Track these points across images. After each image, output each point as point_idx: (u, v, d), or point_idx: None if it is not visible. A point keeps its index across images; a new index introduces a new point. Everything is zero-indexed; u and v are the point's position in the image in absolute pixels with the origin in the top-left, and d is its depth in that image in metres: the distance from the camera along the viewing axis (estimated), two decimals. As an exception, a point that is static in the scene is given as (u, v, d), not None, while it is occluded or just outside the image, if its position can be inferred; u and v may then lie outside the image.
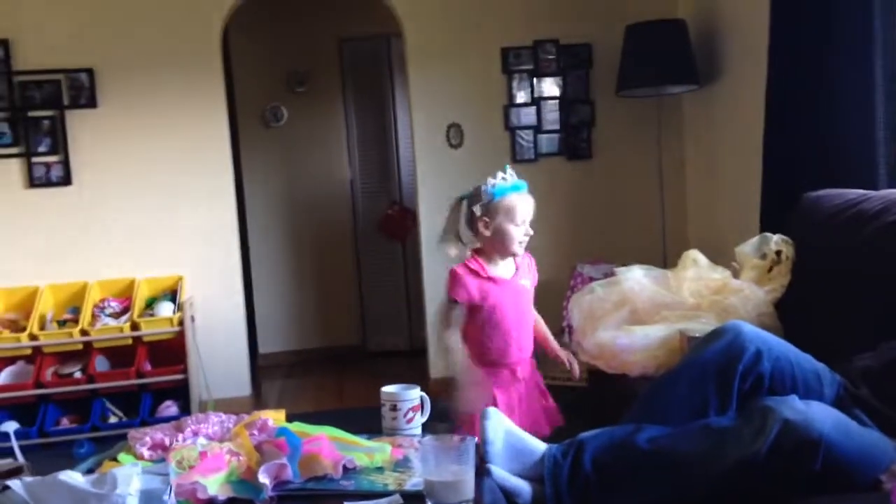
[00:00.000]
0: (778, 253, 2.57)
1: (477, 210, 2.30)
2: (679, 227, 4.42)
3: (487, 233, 2.30)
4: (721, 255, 2.88)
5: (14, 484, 1.11)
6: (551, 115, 4.46)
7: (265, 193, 5.60)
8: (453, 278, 2.29)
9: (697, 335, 2.21)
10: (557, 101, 4.45)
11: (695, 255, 2.79)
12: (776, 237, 2.59)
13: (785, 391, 1.68)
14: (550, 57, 4.43)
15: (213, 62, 4.28)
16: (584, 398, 3.56)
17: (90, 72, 4.11)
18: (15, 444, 3.52)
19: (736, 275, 2.67)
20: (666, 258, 4.09)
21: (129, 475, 1.15)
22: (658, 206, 4.37)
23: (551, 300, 4.16)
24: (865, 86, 2.63)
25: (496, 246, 2.33)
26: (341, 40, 5.56)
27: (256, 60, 5.52)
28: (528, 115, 4.43)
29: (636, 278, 2.72)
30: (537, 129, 4.44)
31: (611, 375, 2.57)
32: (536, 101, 4.43)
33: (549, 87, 4.45)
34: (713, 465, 1.53)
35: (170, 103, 4.22)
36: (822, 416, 1.49)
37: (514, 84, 4.42)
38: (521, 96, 4.43)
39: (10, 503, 1.10)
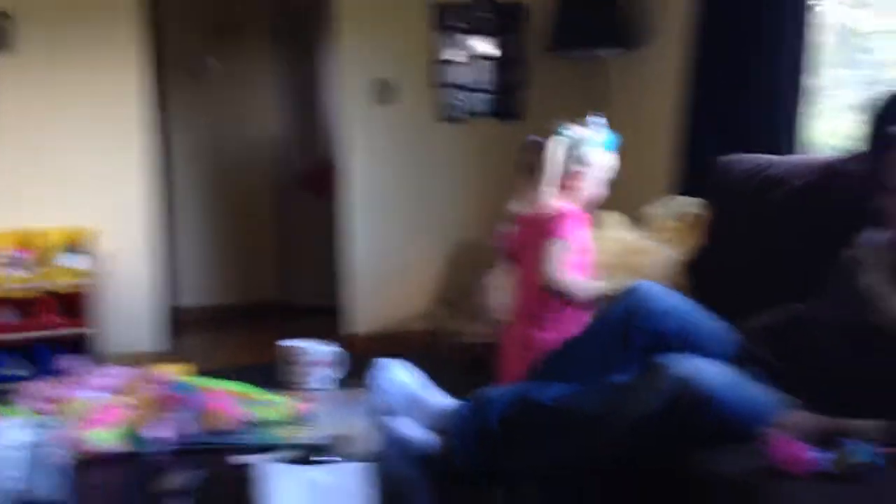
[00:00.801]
0: (689, 215, 2.62)
1: None
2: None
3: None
4: (637, 217, 2.94)
5: None
6: (485, 74, 4.43)
7: (191, 145, 5.44)
8: None
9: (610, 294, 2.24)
10: (491, 60, 4.42)
11: (610, 216, 2.84)
12: (688, 199, 2.65)
13: (685, 349, 1.72)
14: (485, 15, 4.38)
15: (136, 8, 4.10)
16: (494, 354, 3.61)
17: (4, 15, 3.89)
18: None
19: (649, 236, 2.73)
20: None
21: (12, 427, 1.11)
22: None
23: (475, 260, 4.19)
24: (781, 49, 2.69)
25: None
26: (273, -9, 5.41)
27: (183, 8, 5.30)
28: (460, 74, 4.39)
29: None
30: (469, 88, 4.41)
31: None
32: (469, 60, 4.39)
33: (484, 46, 4.41)
34: (613, 422, 1.56)
35: (89, 50, 4.03)
36: (712, 372, 1.53)
37: (447, 42, 4.36)
38: (454, 54, 4.38)
39: None
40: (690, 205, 2.63)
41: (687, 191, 2.79)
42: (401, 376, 1.65)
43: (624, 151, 4.34)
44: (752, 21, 2.78)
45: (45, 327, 3.69)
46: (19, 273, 3.71)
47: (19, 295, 3.70)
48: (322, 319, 5.09)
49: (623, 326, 1.79)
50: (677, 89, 3.26)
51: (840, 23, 2.90)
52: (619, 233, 2.76)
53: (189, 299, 5.50)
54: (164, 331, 4.33)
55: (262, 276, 5.63)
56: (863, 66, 2.84)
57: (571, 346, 1.90)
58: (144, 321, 4.21)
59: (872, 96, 2.09)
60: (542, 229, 2.17)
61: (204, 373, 1.69)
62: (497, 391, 1.74)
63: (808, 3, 2.63)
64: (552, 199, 2.25)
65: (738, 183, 2.47)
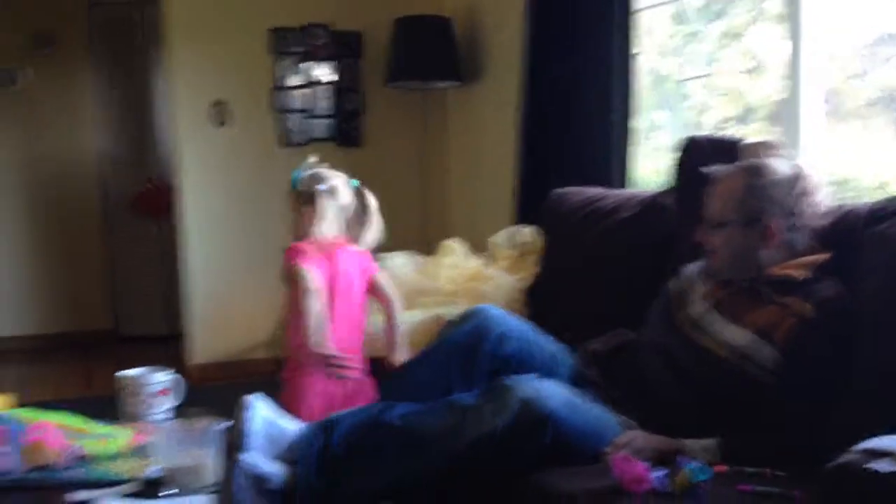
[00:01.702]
0: (527, 244, 2.74)
1: None
2: (442, 218, 4.57)
3: None
4: (480, 246, 3.03)
5: None
6: (324, 100, 4.43)
7: (2, 161, 5.06)
8: None
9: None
10: (331, 86, 4.43)
11: (452, 245, 2.91)
12: (527, 229, 2.77)
13: (526, 370, 1.78)
14: (321, 42, 4.39)
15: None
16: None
17: None
18: None
19: (490, 263, 2.82)
20: (430, 247, 4.23)
21: None
22: (422, 197, 4.50)
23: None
24: (605, 92, 2.88)
25: None
26: (91, 3, 5.16)
27: (-2, 17, 4.96)
28: (298, 99, 4.37)
29: (397, 265, 2.78)
30: (308, 113, 4.39)
31: (371, 358, 2.61)
32: (308, 85, 4.38)
33: (322, 71, 4.42)
34: (453, 441, 1.59)
35: None
36: (553, 393, 1.60)
37: (283, 66, 4.33)
38: (291, 79, 4.35)
39: None
40: (528, 234, 2.75)
41: (525, 220, 2.91)
42: (262, 410, 1.60)
43: (465, 181, 4.53)
44: (577, 62, 2.95)
45: None
46: None
47: None
48: (156, 348, 4.87)
49: (464, 348, 1.84)
50: (513, 122, 3.40)
51: (656, 70, 3.16)
52: (460, 260, 2.84)
53: (5, 329, 5.09)
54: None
55: (89, 302, 5.30)
56: (680, 110, 3.10)
57: (415, 367, 1.93)
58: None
59: (682, 138, 2.30)
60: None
61: (26, 405, 1.58)
62: (341, 414, 1.73)
63: (630, 51, 2.84)
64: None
65: (570, 214, 2.62)
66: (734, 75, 2.83)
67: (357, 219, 2.38)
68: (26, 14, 5.04)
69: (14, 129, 5.09)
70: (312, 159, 2.42)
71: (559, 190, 2.78)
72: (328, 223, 2.28)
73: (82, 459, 1.37)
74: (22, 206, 5.17)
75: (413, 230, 4.45)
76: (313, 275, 2.06)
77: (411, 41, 4.05)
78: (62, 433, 1.39)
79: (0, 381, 4.27)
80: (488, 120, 4.12)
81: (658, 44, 3.14)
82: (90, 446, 1.39)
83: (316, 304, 2.01)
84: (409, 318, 2.54)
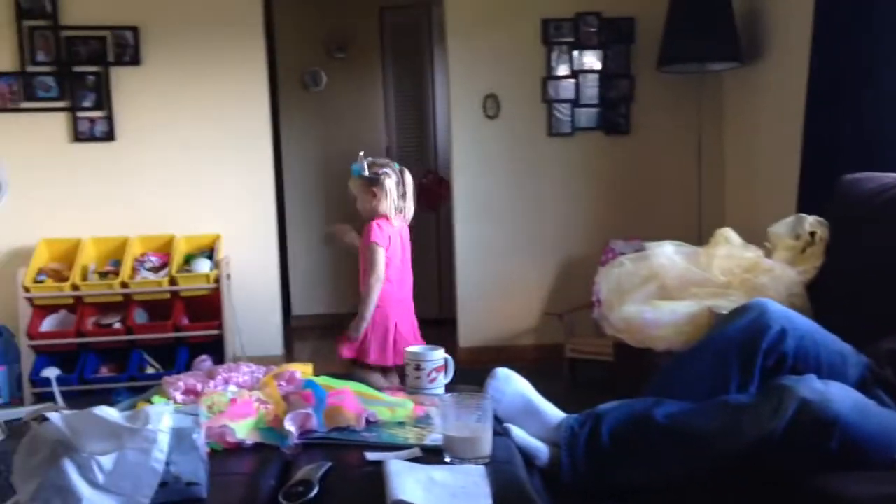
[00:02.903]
0: (812, 234, 2.54)
1: None
2: (716, 206, 4.38)
3: None
4: (756, 235, 2.86)
5: (52, 415, 1.17)
6: (590, 89, 4.43)
7: (302, 156, 5.66)
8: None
9: (725, 312, 2.21)
10: (597, 74, 4.42)
11: (727, 234, 2.78)
12: (811, 218, 2.57)
13: (808, 370, 1.67)
14: (592, 29, 4.39)
15: (255, 24, 4.32)
16: (608, 370, 3.59)
17: (135, 30, 4.18)
18: (56, 388, 3.68)
19: (768, 254, 2.66)
20: (701, 237, 4.07)
21: (162, 413, 1.20)
22: (695, 184, 4.34)
23: (583, 274, 4.18)
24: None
25: None
26: (382, 7, 5.57)
27: (298, 25, 5.56)
28: (566, 89, 4.41)
29: (666, 254, 2.71)
30: (575, 102, 4.42)
31: (636, 349, 2.58)
32: (576, 74, 4.41)
33: (590, 60, 4.42)
34: (729, 441, 1.54)
35: (211, 64, 4.28)
36: (840, 396, 1.49)
37: (554, 56, 4.39)
38: (561, 69, 4.40)
39: (48, 433, 1.16)
40: (813, 223, 2.55)
41: (809, 208, 2.70)
42: (518, 385, 1.68)
43: (742, 167, 4.29)
44: (876, 36, 2.68)
45: (179, 329, 3.91)
46: (155, 277, 3.95)
47: (155, 297, 3.93)
48: (430, 331, 5.17)
49: (740, 344, 1.76)
50: (798, 104, 3.17)
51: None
52: (736, 250, 2.70)
53: (300, 308, 5.70)
54: (280, 337, 4.51)
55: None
56: None
57: (684, 362, 1.88)
58: (263, 327, 4.39)
59: None
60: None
61: (321, 374, 1.77)
62: (609, 406, 1.74)
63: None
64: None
65: (862, 201, 2.39)
66: None
67: (402, 196, 2.91)
68: (324, 22, 5.59)
69: (315, 127, 5.67)
70: (362, 154, 2.89)
71: (850, 175, 2.54)
72: (388, 201, 2.85)
73: (375, 424, 1.51)
74: (317, 198, 5.74)
75: (684, 218, 4.32)
76: (384, 259, 2.84)
77: (687, 22, 3.92)
78: (358, 399, 1.55)
79: (297, 354, 4.79)
80: (769, 102, 3.87)
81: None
82: (381, 413, 1.53)
83: (379, 286, 2.84)
84: (678, 309, 2.48)
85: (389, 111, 5.66)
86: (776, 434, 1.48)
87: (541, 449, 1.61)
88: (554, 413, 1.71)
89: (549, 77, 4.39)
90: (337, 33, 5.61)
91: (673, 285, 2.63)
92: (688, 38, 3.94)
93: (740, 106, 4.24)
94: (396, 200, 2.87)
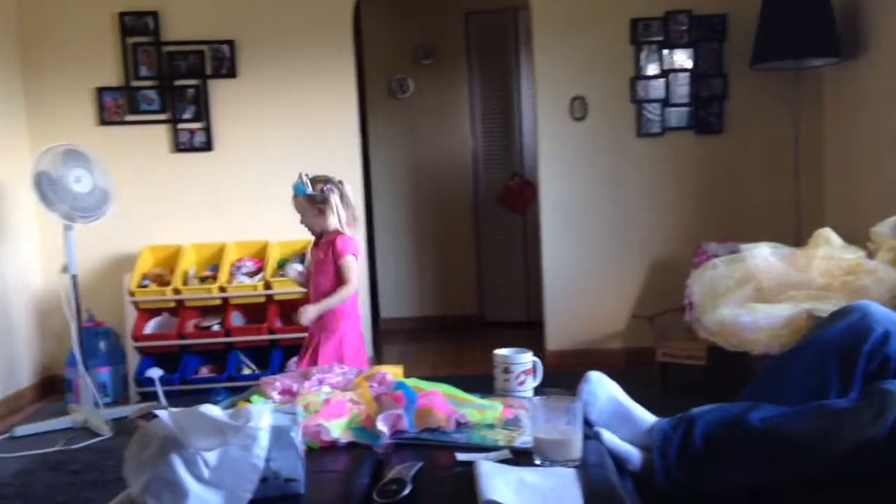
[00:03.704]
0: (918, 234, 2.43)
1: None
2: (814, 206, 4.22)
3: None
4: (858, 236, 2.76)
5: (161, 413, 1.23)
6: (681, 88, 4.35)
7: (390, 162, 5.75)
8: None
9: (824, 315, 2.13)
10: (688, 73, 4.33)
11: (827, 234, 2.69)
12: (917, 218, 2.45)
13: (911, 375, 1.61)
14: (682, 28, 4.31)
15: (345, 35, 4.42)
16: (700, 374, 3.51)
17: (231, 43, 4.34)
18: (159, 388, 3.85)
19: (871, 255, 2.55)
20: (799, 238, 3.93)
21: (262, 411, 1.25)
22: (792, 184, 4.20)
23: (673, 277, 4.11)
24: None
25: None
26: (468, 13, 5.61)
27: (385, 33, 5.66)
28: (656, 88, 4.34)
29: (763, 255, 2.65)
30: (665, 102, 4.34)
31: (730, 353, 2.53)
32: (666, 74, 4.33)
33: (680, 58, 4.34)
34: (827, 447, 1.49)
35: (303, 74, 4.40)
36: (947, 402, 1.42)
37: (643, 56, 4.33)
38: (650, 68, 4.34)
39: (158, 430, 1.23)
40: (919, 223, 2.44)
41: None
42: (610, 389, 1.67)
43: (842, 166, 4.13)
44: None
45: (273, 331, 4.04)
46: (251, 281, 4.08)
47: (251, 301, 4.07)
48: (517, 334, 5.18)
49: (840, 347, 1.70)
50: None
51: None
52: (836, 251, 2.61)
53: (388, 312, 5.78)
54: (369, 339, 4.59)
55: (459, 290, 5.81)
56: None
57: (782, 366, 1.82)
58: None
59: None
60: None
61: (410, 377, 1.80)
62: (702, 410, 1.71)
63: None
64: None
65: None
66: None
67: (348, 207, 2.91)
68: (411, 30, 5.68)
69: (403, 132, 5.76)
70: (302, 172, 2.91)
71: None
72: (335, 217, 2.85)
73: (465, 425, 1.53)
74: (405, 203, 5.82)
75: (781, 219, 4.19)
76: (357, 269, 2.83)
77: (783, 17, 3.80)
78: (449, 401, 1.57)
79: (385, 356, 4.87)
80: (871, 98, 3.72)
81: None
82: (471, 414, 1.55)
83: (350, 295, 2.83)
84: (775, 312, 2.41)
85: (475, 115, 5.70)
86: (877, 440, 1.43)
87: (632, 453, 1.59)
88: (646, 417, 1.68)
89: (638, 77, 4.33)
90: (423, 40, 5.69)
91: (769, 287, 2.56)
92: (783, 34, 3.82)
93: (840, 102, 4.08)
94: (345, 214, 2.89)
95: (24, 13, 4.31)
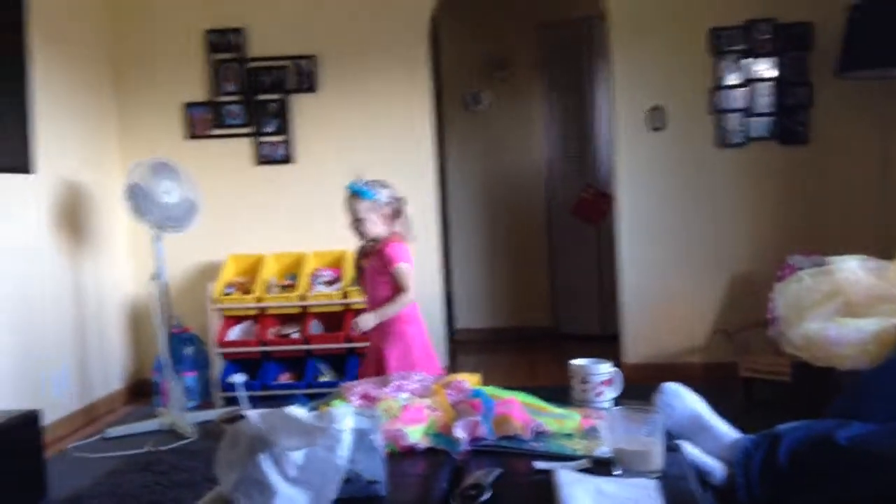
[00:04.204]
0: None
1: None
2: (905, 218, 4.07)
3: None
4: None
5: (250, 413, 1.28)
6: (764, 98, 4.25)
7: (464, 174, 5.80)
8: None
9: (917, 331, 2.06)
10: (772, 82, 4.24)
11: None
12: None
13: None
14: (766, 37, 4.22)
15: (421, 49, 4.49)
16: (784, 390, 3.41)
17: (312, 58, 4.45)
18: (242, 393, 3.96)
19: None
20: (887, 250, 3.79)
21: (345, 414, 1.28)
22: (880, 195, 4.05)
23: (755, 291, 4.01)
24: None
25: None
26: (541, 25, 5.62)
27: (460, 46, 5.71)
28: (737, 98, 4.26)
29: (851, 268, 2.57)
30: (747, 112, 4.25)
31: (816, 368, 2.45)
32: (747, 83, 4.25)
33: (763, 67, 4.24)
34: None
35: (380, 87, 4.48)
36: None
37: (723, 65, 4.26)
38: (730, 78, 4.26)
39: (248, 430, 1.27)
40: None
41: None
42: (688, 401, 1.65)
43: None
44: None
45: (349, 339, 4.11)
46: (329, 290, 4.17)
47: (329, 310, 4.16)
48: (591, 347, 5.13)
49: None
50: None
51: None
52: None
53: (463, 322, 5.81)
54: (444, 349, 4.62)
55: (533, 301, 5.79)
56: None
57: (871, 383, 1.78)
58: (432, 339, 4.51)
59: None
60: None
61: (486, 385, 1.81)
62: (787, 427, 1.67)
63: None
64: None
65: None
66: None
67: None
68: (485, 43, 5.72)
69: (476, 145, 5.80)
70: (359, 174, 2.86)
71: None
72: (406, 226, 2.83)
73: (542, 434, 1.53)
74: (480, 214, 5.85)
75: (869, 231, 4.05)
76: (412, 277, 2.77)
77: (871, 25, 3.69)
78: (526, 410, 1.58)
79: (460, 366, 4.88)
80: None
81: None
82: (549, 424, 1.55)
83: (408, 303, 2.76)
84: (864, 326, 2.33)
85: (550, 126, 5.69)
86: None
87: (715, 467, 1.57)
88: (727, 431, 1.66)
89: (718, 87, 4.26)
90: (497, 53, 5.72)
91: (858, 301, 2.48)
92: (871, 42, 3.71)
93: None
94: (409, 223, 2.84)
95: (118, 34, 4.52)
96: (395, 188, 2.88)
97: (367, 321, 2.73)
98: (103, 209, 4.30)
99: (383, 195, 2.82)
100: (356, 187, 2.80)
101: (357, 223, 2.81)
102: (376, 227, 2.80)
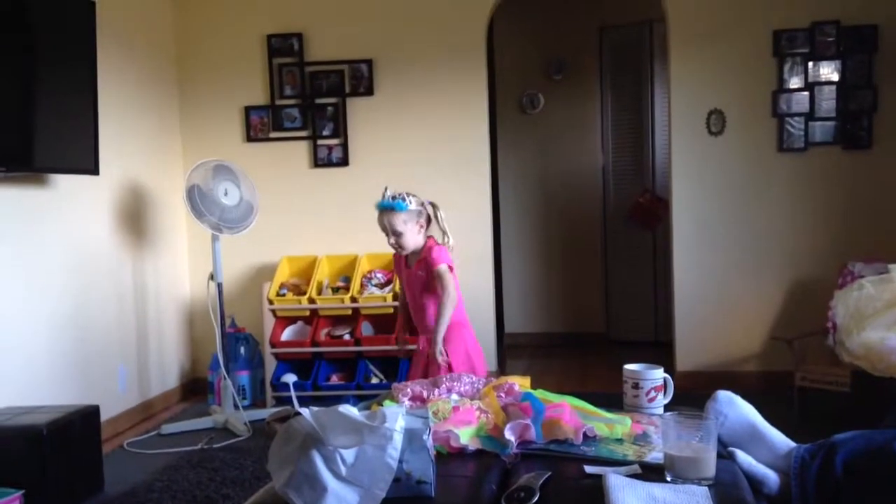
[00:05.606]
0: None
1: None
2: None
3: None
4: None
5: (304, 411, 1.31)
6: (827, 101, 4.15)
7: (519, 177, 5.78)
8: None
9: None
10: (835, 86, 4.14)
11: None
12: None
13: None
14: (829, 39, 4.12)
15: (478, 52, 4.49)
16: (842, 400, 3.32)
17: (370, 62, 4.50)
18: (293, 393, 4.02)
19: None
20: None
21: (396, 414, 1.30)
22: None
23: (814, 298, 3.92)
24: None
25: None
26: (602, 28, 5.58)
27: (517, 49, 5.71)
28: (799, 102, 4.16)
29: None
30: (809, 116, 4.16)
31: (876, 378, 2.39)
32: (810, 87, 4.15)
33: (826, 71, 4.14)
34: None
35: (436, 91, 4.50)
36: None
37: (786, 68, 4.17)
38: (793, 81, 4.17)
39: (300, 427, 1.30)
40: None
41: None
42: (742, 409, 1.62)
43: None
44: None
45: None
46: (381, 292, 4.20)
47: (380, 312, 4.19)
48: (643, 353, 5.07)
49: None
50: None
51: None
52: None
53: (513, 326, 5.80)
54: (494, 353, 4.62)
55: (586, 306, 5.75)
56: None
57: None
58: (481, 344, 4.50)
59: None
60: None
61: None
62: (844, 436, 1.63)
63: None
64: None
65: None
66: None
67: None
68: (542, 45, 5.71)
69: (531, 148, 5.78)
70: (388, 187, 2.88)
71: None
72: (441, 228, 2.87)
73: (593, 438, 1.53)
74: (533, 218, 5.83)
75: (934, 240, 3.91)
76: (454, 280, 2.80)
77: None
78: (577, 414, 1.57)
79: (510, 370, 4.87)
80: None
81: None
82: (600, 428, 1.54)
83: (453, 307, 2.77)
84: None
85: (606, 130, 5.64)
86: None
87: (769, 476, 1.54)
88: (782, 440, 1.63)
89: (781, 90, 4.17)
90: (554, 55, 5.70)
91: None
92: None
93: None
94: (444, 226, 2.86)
95: (182, 39, 4.64)
96: (420, 195, 2.90)
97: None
98: (164, 210, 4.42)
99: (413, 203, 2.83)
100: (387, 203, 2.81)
101: (396, 237, 2.82)
102: (416, 236, 2.82)
